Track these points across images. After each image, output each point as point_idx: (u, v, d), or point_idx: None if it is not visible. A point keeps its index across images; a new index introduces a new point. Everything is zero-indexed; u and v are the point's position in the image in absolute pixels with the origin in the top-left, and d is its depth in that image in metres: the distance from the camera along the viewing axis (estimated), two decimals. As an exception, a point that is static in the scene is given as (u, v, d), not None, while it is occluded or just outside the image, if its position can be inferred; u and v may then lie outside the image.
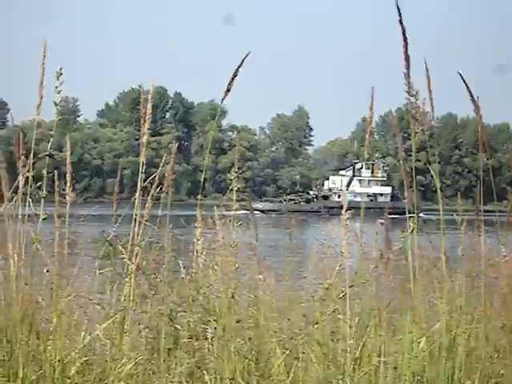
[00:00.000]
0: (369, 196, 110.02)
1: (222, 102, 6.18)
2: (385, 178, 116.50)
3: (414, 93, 5.36)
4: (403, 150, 5.99)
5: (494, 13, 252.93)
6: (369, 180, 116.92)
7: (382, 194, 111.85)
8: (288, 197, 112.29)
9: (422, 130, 5.51)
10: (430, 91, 5.65)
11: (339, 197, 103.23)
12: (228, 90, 6.07)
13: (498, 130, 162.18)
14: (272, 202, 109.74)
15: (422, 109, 5.47)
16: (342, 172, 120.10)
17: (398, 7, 5.33)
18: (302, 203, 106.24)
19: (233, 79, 6.03)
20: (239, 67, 6.01)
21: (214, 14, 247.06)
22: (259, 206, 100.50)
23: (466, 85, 5.79)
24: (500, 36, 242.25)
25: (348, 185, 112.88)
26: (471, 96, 5.81)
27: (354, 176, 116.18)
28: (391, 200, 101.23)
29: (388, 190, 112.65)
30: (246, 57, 6.02)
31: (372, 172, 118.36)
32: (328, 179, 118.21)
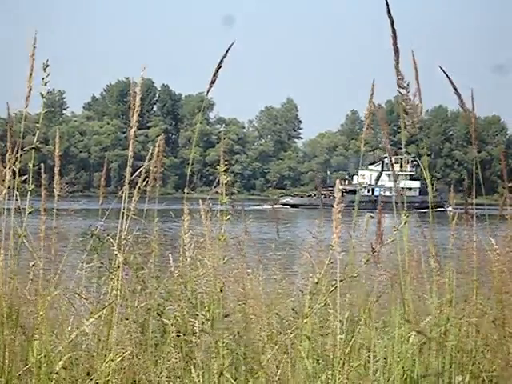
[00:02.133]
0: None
1: (206, 93, 6.19)
2: (413, 173, 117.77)
3: (405, 85, 5.31)
4: (393, 143, 5.97)
5: (490, 9, 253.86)
6: (398, 174, 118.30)
7: (410, 189, 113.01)
8: (318, 191, 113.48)
9: (412, 122, 5.46)
10: (418, 83, 5.63)
11: (369, 191, 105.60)
12: (212, 82, 6.08)
13: (489, 122, 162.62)
14: (302, 196, 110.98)
15: (413, 101, 5.42)
16: (371, 167, 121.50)
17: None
18: (331, 197, 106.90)
19: (217, 71, 6.04)
20: (223, 58, 6.02)
21: (204, 8, 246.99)
22: (290, 200, 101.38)
23: (450, 79, 5.75)
24: (495, 31, 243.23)
25: (377, 179, 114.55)
26: (455, 90, 5.78)
27: (383, 170, 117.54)
28: (420, 194, 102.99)
29: (417, 184, 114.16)
30: (229, 48, 6.03)
31: (401, 166, 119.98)
32: (357, 174, 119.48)
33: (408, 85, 5.33)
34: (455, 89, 5.76)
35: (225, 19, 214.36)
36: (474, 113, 5.98)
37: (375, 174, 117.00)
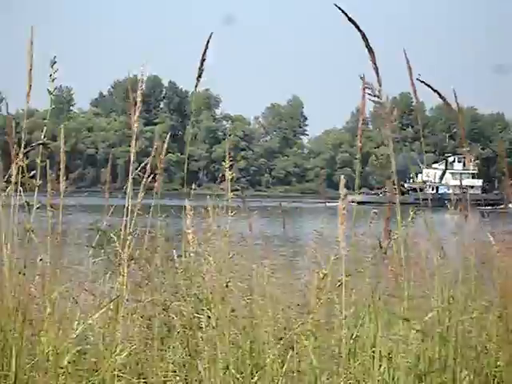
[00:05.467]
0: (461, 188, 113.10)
1: (195, 88, 6.25)
2: (476, 171, 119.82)
3: (377, 92, 5.33)
4: (398, 139, 5.98)
5: (494, 10, 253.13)
6: (461, 173, 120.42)
7: (473, 187, 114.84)
8: (384, 189, 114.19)
9: (392, 127, 5.56)
10: (412, 82, 5.68)
11: (433, 189, 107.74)
12: (199, 76, 6.14)
13: (493, 120, 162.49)
14: (368, 194, 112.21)
15: (389, 108, 5.48)
16: (435, 165, 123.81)
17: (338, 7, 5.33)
18: (396, 195, 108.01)
19: (202, 64, 6.10)
20: (205, 51, 6.08)
21: (210, 7, 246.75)
22: (356, 198, 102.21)
23: (429, 85, 5.79)
24: (498, 31, 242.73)
25: (441, 178, 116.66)
26: (440, 96, 5.83)
27: (446, 169, 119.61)
28: (482, 192, 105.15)
29: (479, 182, 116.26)
30: (209, 40, 6.10)
31: (464, 165, 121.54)
32: (422, 172, 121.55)
33: (379, 91, 5.33)
34: (439, 94, 5.80)
35: (226, 19, 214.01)
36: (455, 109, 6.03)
37: (439, 173, 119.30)
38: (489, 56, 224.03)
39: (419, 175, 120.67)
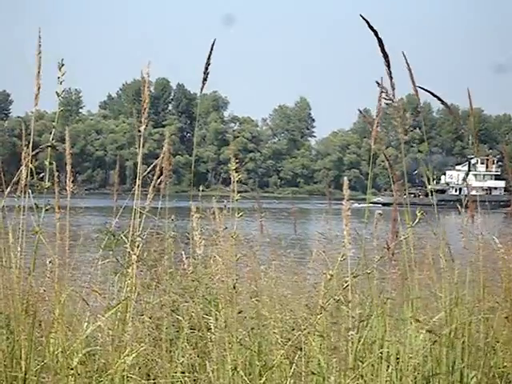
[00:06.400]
0: (484, 190, 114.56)
1: (201, 91, 6.30)
2: (499, 173, 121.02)
3: (391, 97, 5.36)
4: (404, 141, 6.02)
5: (498, 11, 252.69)
6: (484, 174, 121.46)
7: (496, 188, 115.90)
8: (407, 190, 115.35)
9: (404, 130, 5.59)
10: (413, 83, 5.70)
11: (456, 191, 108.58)
12: (205, 80, 6.19)
13: (500, 121, 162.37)
14: (392, 195, 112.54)
15: (401, 112, 5.51)
16: (458, 167, 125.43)
17: (362, 16, 5.36)
18: (421, 196, 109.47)
19: (207, 68, 6.15)
20: (210, 56, 6.14)
21: (217, 8, 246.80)
22: (380, 199, 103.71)
23: (431, 93, 5.81)
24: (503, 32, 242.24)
25: (464, 179, 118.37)
26: (442, 102, 5.86)
27: (469, 171, 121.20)
28: (505, 193, 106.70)
29: (502, 183, 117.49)
30: (213, 44, 6.18)
31: (487, 167, 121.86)
32: (445, 174, 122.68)
33: (394, 96, 5.37)
34: (440, 99, 5.82)
35: (227, 19, 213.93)
36: (456, 112, 6.08)
37: (462, 174, 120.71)
38: (496, 56, 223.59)
39: (442, 177, 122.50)
